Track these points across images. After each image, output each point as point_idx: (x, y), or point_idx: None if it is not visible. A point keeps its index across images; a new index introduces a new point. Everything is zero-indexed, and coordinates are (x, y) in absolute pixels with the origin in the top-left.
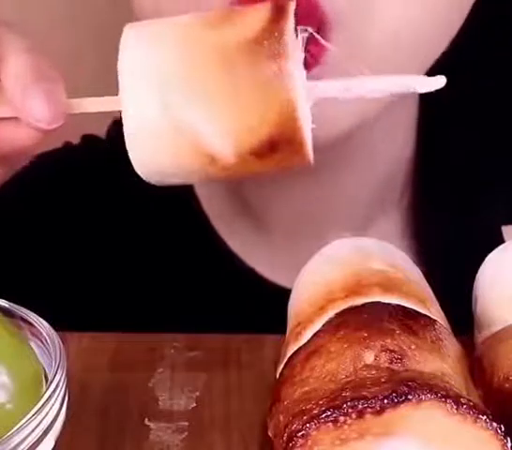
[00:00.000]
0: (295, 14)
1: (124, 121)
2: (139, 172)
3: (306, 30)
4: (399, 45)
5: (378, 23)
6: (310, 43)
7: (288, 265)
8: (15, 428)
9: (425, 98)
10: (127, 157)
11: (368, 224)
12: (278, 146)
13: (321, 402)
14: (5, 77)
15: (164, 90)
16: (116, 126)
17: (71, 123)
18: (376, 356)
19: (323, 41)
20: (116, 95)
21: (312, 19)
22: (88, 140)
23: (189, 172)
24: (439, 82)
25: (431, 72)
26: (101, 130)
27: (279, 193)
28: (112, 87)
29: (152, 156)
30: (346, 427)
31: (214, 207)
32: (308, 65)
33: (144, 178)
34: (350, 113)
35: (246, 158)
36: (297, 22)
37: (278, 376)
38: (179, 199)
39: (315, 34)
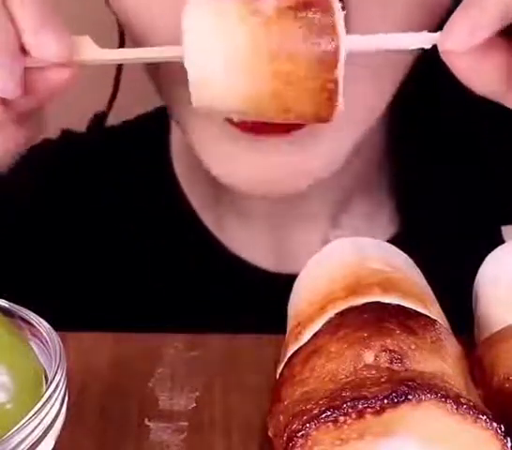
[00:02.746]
0: None
1: None
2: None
3: None
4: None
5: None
6: None
7: (291, 263)
8: (15, 428)
9: None
10: (108, 150)
11: (346, 208)
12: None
13: (321, 402)
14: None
15: None
16: (97, 119)
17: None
18: (376, 356)
19: None
20: None
21: None
22: (67, 134)
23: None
24: None
25: None
26: (80, 126)
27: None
28: None
29: None
30: (346, 427)
31: (209, 213)
32: None
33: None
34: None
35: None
36: None
37: (278, 376)
38: (171, 198)
39: None
